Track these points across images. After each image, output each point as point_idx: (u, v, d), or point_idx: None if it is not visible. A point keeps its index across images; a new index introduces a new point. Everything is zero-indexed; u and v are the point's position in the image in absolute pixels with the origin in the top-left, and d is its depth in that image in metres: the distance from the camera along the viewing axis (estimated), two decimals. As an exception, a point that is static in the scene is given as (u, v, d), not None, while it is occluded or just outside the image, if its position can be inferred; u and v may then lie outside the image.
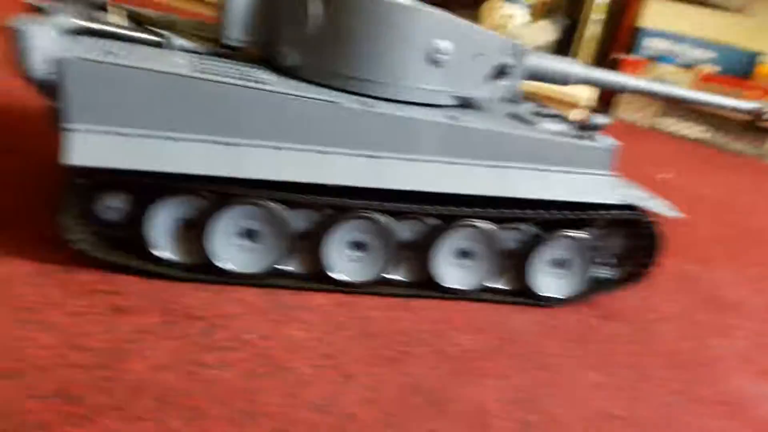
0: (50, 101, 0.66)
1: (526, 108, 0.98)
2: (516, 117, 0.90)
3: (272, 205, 0.74)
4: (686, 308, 1.05)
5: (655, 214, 0.90)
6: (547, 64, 0.92)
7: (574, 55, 2.57)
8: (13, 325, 0.63)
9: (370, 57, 0.76)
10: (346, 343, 0.73)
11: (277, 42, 0.77)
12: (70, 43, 0.65)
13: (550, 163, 0.85)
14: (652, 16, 2.73)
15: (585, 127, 0.88)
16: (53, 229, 0.70)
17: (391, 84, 0.78)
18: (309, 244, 0.80)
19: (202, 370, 0.64)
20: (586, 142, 0.86)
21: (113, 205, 0.72)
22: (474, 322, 0.84)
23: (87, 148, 0.65)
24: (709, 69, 2.73)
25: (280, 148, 0.72)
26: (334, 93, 0.75)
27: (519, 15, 2.45)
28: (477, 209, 0.82)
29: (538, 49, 2.45)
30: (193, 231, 0.75)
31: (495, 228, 0.85)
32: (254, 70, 0.75)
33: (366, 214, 0.78)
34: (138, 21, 0.83)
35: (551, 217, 0.86)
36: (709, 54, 2.75)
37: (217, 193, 0.73)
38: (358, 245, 0.81)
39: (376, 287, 0.83)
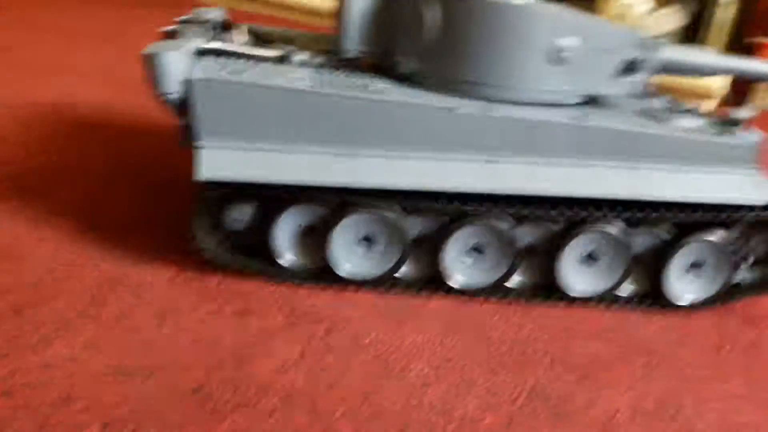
0: (181, 120, 0.68)
1: (657, 103, 0.90)
2: (647, 114, 0.83)
3: (389, 213, 0.73)
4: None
5: None
6: (680, 56, 0.83)
7: (704, 42, 2.36)
8: (153, 326, 0.65)
9: (489, 61, 0.73)
10: (466, 348, 0.70)
11: (393, 50, 0.76)
12: (200, 65, 0.68)
13: (686, 162, 0.77)
14: None
15: (724, 122, 0.80)
16: (187, 238, 0.72)
17: (512, 86, 0.74)
18: (427, 249, 0.78)
19: (325, 370, 0.63)
20: (726, 139, 0.78)
21: (240, 215, 0.74)
22: (600, 329, 0.78)
23: (216, 163, 0.67)
24: None
25: (398, 157, 0.71)
26: (452, 98, 0.73)
27: (641, 2, 2.29)
28: (609, 212, 0.76)
29: (664, 37, 2.31)
30: (314, 237, 0.76)
31: (626, 232, 0.78)
32: (371, 79, 0.75)
33: (485, 220, 0.75)
34: (259, 37, 0.85)
35: (688, 220, 0.78)
36: None
37: (337, 201, 0.72)
38: (477, 250, 0.78)
39: (495, 292, 0.79)
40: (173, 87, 0.66)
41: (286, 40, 0.86)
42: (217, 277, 0.75)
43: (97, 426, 0.53)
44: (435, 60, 0.74)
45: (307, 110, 0.68)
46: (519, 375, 0.68)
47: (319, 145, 0.70)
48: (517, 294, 0.80)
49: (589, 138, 0.74)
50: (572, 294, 0.80)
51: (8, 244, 0.76)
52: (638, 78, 0.81)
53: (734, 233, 0.82)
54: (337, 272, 0.75)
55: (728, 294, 0.85)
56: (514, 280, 0.81)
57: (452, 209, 0.74)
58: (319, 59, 0.78)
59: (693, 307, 0.84)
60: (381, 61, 0.78)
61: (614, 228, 0.78)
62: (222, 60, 0.72)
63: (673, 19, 2.28)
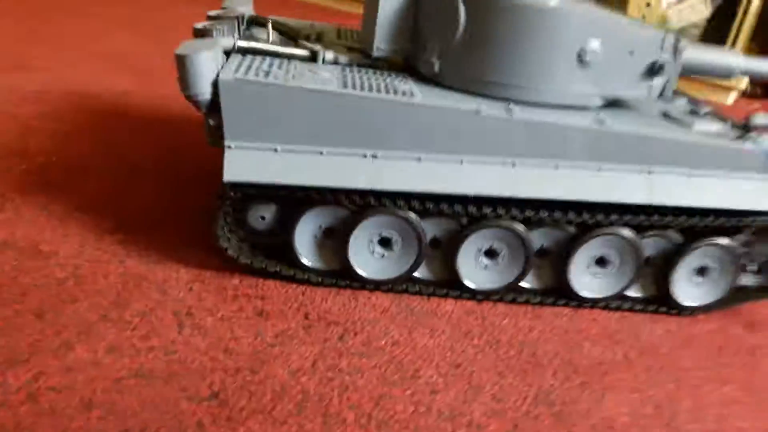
0: (210, 119, 0.67)
1: (680, 105, 0.88)
2: (669, 117, 0.81)
3: (410, 215, 0.72)
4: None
5: None
6: (705, 58, 0.80)
7: (735, 35, 2.28)
8: (173, 329, 0.66)
9: (515, 62, 0.71)
10: (475, 352, 0.70)
11: (422, 51, 0.75)
12: (230, 65, 0.67)
13: (704, 167, 0.75)
14: None
15: (744, 127, 0.78)
16: (209, 236, 0.72)
17: (537, 88, 0.73)
18: (443, 251, 0.77)
19: (338, 375, 0.64)
20: (742, 144, 0.76)
21: (263, 215, 0.74)
22: (607, 332, 0.78)
23: (244, 164, 0.67)
24: None
25: (421, 159, 0.70)
26: (478, 99, 0.71)
27: None
28: (623, 217, 0.75)
29: (690, 29, 2.23)
30: (333, 238, 0.75)
31: (638, 236, 0.77)
32: (399, 80, 0.73)
33: (502, 223, 0.74)
34: (287, 33, 0.83)
35: (701, 224, 0.76)
36: None
37: (359, 203, 0.72)
38: (492, 253, 0.77)
39: (508, 294, 0.79)
40: (204, 88, 0.65)
41: (316, 37, 0.84)
42: (237, 277, 0.75)
43: (118, 432, 0.54)
44: (462, 61, 0.73)
45: (334, 112, 0.67)
46: (525, 379, 0.68)
47: (345, 146, 0.69)
48: (529, 296, 0.80)
49: (609, 143, 0.72)
50: (582, 296, 0.79)
51: (34, 241, 0.76)
52: (661, 80, 0.79)
53: (743, 238, 0.81)
54: (355, 273, 0.75)
55: (733, 298, 0.83)
56: (526, 283, 0.80)
57: (470, 212, 0.73)
58: (347, 57, 0.77)
59: (698, 311, 0.83)
60: (409, 60, 0.77)
61: (626, 232, 0.76)
62: (251, 59, 0.71)
63: (697, 10, 2.21)
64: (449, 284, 0.78)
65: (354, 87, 0.67)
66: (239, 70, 0.66)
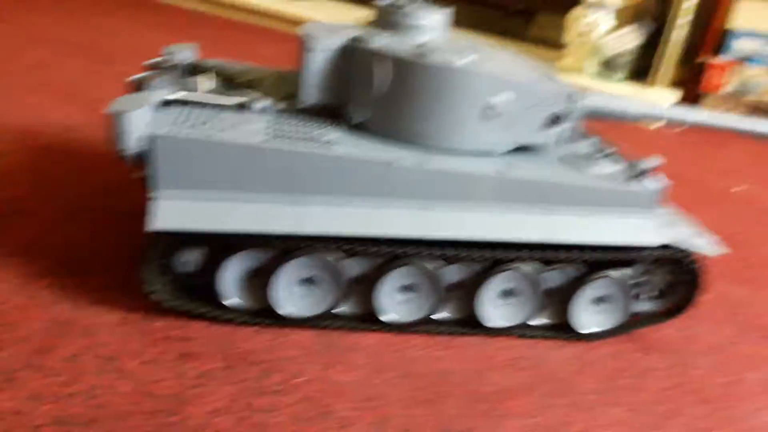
0: (138, 172, 0.69)
1: (584, 147, 0.93)
2: (569, 160, 0.86)
3: (330, 256, 0.76)
4: (730, 339, 0.97)
5: (698, 252, 0.84)
6: (605, 105, 0.87)
7: (660, 60, 2.39)
8: (95, 373, 0.67)
9: (428, 115, 0.77)
10: (387, 385, 0.73)
11: (346, 102, 0.79)
12: (160, 119, 0.70)
13: (596, 206, 0.81)
14: (742, 16, 2.49)
15: (635, 168, 0.84)
16: (136, 278, 0.74)
17: (448, 138, 0.79)
18: (363, 287, 0.81)
19: (254, 414, 0.66)
20: (633, 186, 0.82)
21: (189, 259, 0.76)
22: (512, 359, 0.82)
23: (170, 213, 0.69)
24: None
25: (340, 205, 0.74)
26: (395, 148, 0.77)
27: (604, 21, 2.31)
28: (522, 253, 0.80)
29: (622, 57, 2.32)
30: (258, 279, 0.78)
31: (539, 270, 0.82)
32: (324, 129, 0.77)
33: (416, 262, 0.78)
34: (227, 79, 0.86)
35: (594, 258, 0.82)
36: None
37: (282, 247, 0.75)
38: (408, 288, 0.81)
39: (424, 326, 0.83)
40: (132, 144, 0.67)
41: (251, 83, 0.86)
42: (163, 320, 0.76)
43: (36, 481, 0.55)
44: (382, 113, 0.77)
45: (257, 163, 0.71)
46: (431, 408, 0.71)
47: (268, 194, 0.72)
48: (443, 328, 0.84)
49: (510, 188, 0.78)
50: (489, 326, 0.84)
51: (-38, 287, 0.76)
52: (564, 128, 0.84)
53: (638, 270, 0.86)
54: (279, 312, 0.78)
55: (629, 324, 0.89)
56: (440, 315, 0.84)
57: (387, 252, 0.77)
58: (280, 105, 0.80)
59: (597, 337, 0.88)
60: (336, 110, 0.80)
61: (529, 267, 0.81)
62: (182, 111, 0.74)
63: (630, 38, 2.31)
64: (370, 318, 0.81)
65: (279, 138, 0.71)
66: (168, 125, 0.69)
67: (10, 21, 2.00)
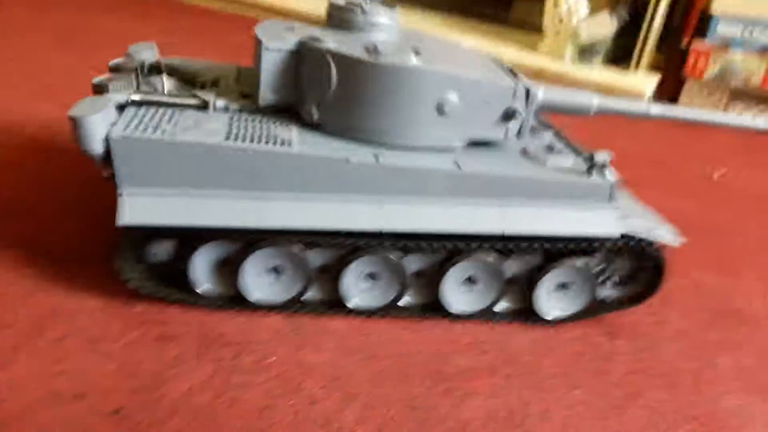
0: (105, 170, 0.78)
1: (543, 140, 1.00)
2: (527, 153, 0.93)
3: (293, 248, 0.84)
4: (700, 325, 1.05)
5: (659, 242, 0.92)
6: (558, 98, 0.94)
7: (641, 47, 2.47)
8: (80, 354, 0.76)
9: (382, 113, 0.83)
10: (355, 366, 0.81)
11: (303, 101, 0.86)
12: (121, 121, 0.76)
13: (553, 199, 0.88)
14: (724, 0, 2.58)
15: (591, 161, 0.91)
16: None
17: (403, 135, 0.85)
18: (329, 275, 0.89)
19: (228, 391, 0.74)
20: (589, 179, 0.89)
21: (161, 249, 0.84)
22: (476, 342, 0.90)
23: (137, 209, 0.76)
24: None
25: (299, 200, 0.81)
26: (351, 145, 0.83)
27: (581, 6, 2.40)
28: (478, 244, 0.87)
29: (599, 43, 2.41)
30: (227, 268, 0.86)
31: (499, 259, 0.90)
32: (282, 127, 0.84)
33: (377, 252, 0.86)
34: (187, 78, 0.93)
35: (553, 249, 0.90)
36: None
37: (245, 239, 0.83)
38: (372, 276, 0.89)
39: (389, 311, 0.91)
40: (96, 146, 0.74)
41: (213, 81, 0.94)
42: (142, 305, 0.85)
43: (28, 447, 0.64)
44: (337, 112, 0.84)
45: (218, 162, 0.77)
46: (396, 388, 0.79)
47: (230, 190, 0.79)
48: (408, 312, 0.92)
49: (465, 182, 0.84)
50: (453, 311, 0.92)
51: (-44, 277, 0.86)
52: (516, 123, 0.91)
53: (597, 258, 0.94)
54: (248, 299, 0.86)
55: (593, 309, 0.97)
56: (405, 301, 0.92)
57: (347, 244, 0.84)
58: (238, 104, 0.87)
59: (561, 322, 0.96)
60: (294, 108, 0.87)
61: (488, 256, 0.89)
62: (144, 112, 0.80)
63: (605, 24, 2.38)
64: (337, 304, 0.89)
65: (236, 137, 0.78)
66: (129, 126, 0.75)
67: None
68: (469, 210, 0.85)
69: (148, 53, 0.94)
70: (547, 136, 1.01)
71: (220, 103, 0.86)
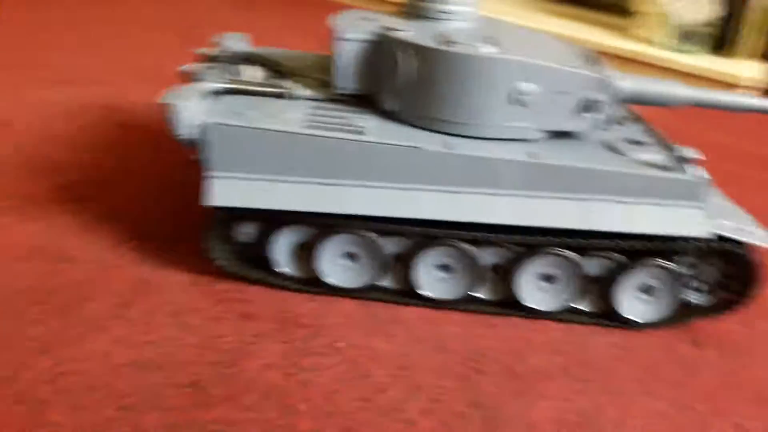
0: (195, 154, 0.82)
1: (630, 133, 0.97)
2: (609, 146, 0.91)
3: (367, 234, 0.86)
4: (800, 338, 0.98)
5: (752, 245, 0.87)
6: (643, 88, 0.90)
7: (737, 33, 2.27)
8: (166, 326, 0.82)
9: (455, 103, 0.84)
10: (422, 356, 0.83)
11: (378, 90, 0.88)
12: (210, 107, 0.82)
13: (635, 195, 0.85)
14: None
15: (678, 158, 0.87)
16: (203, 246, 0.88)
17: (476, 124, 0.86)
18: (402, 264, 0.90)
19: (300, 372, 0.78)
20: (675, 175, 0.85)
21: (245, 231, 0.89)
22: (551, 342, 0.89)
23: (223, 191, 0.82)
24: None
25: (374, 187, 0.83)
26: (425, 134, 0.85)
27: None
28: (557, 239, 0.86)
29: (697, 26, 2.24)
30: (307, 251, 0.90)
31: (579, 256, 0.88)
32: (358, 116, 0.87)
33: (450, 243, 0.86)
34: (273, 67, 0.98)
35: (635, 248, 0.87)
36: None
37: (321, 224, 0.86)
38: (446, 267, 0.90)
39: (462, 304, 0.91)
40: (187, 130, 0.80)
41: (297, 70, 0.97)
42: (227, 284, 0.90)
43: (113, 408, 0.70)
44: (411, 101, 0.86)
45: (297, 148, 0.82)
46: (464, 383, 0.80)
47: (309, 176, 0.83)
48: (483, 307, 0.92)
49: (541, 173, 0.83)
50: (530, 308, 0.91)
51: (63, 247, 0.94)
52: (597, 114, 0.88)
53: (684, 260, 0.90)
54: (324, 281, 0.89)
55: (679, 315, 0.93)
56: (480, 295, 0.92)
57: (419, 233, 0.86)
58: (317, 92, 0.91)
59: (643, 326, 0.93)
60: (370, 97, 0.90)
61: (567, 252, 0.87)
62: (231, 100, 0.86)
63: (708, 6, 2.21)
64: (410, 293, 0.91)
65: (313, 126, 0.82)
66: (219, 113, 0.81)
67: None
68: (546, 204, 0.84)
69: (237, 43, 0.98)
70: (636, 130, 0.97)
71: (302, 92, 0.89)
